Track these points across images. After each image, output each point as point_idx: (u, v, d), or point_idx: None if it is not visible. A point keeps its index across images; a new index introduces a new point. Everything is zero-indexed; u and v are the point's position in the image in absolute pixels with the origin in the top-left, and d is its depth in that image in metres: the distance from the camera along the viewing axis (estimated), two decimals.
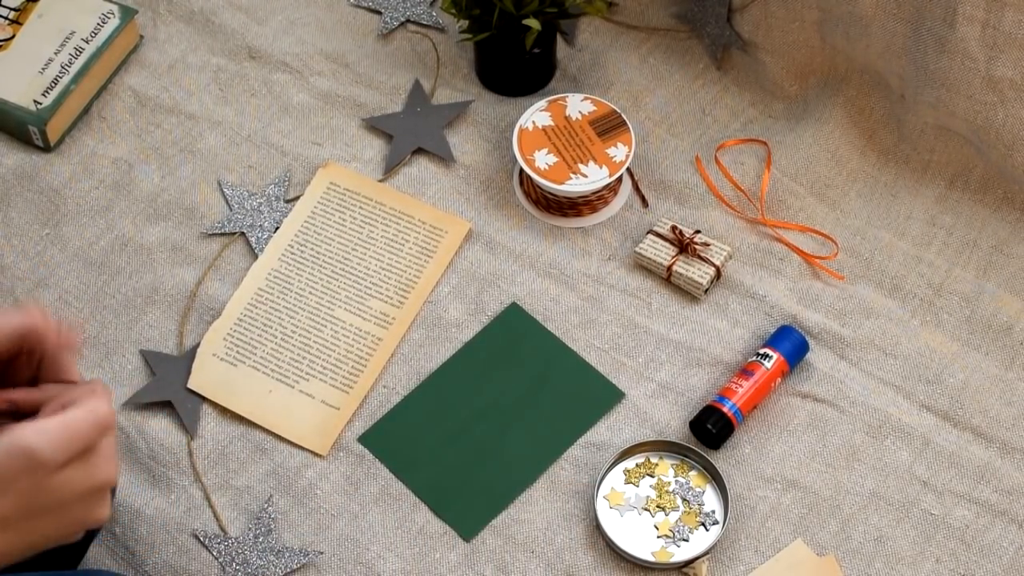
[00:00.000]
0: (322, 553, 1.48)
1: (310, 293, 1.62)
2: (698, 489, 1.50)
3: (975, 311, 1.60)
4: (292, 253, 1.65)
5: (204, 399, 1.57)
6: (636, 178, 1.70)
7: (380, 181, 1.70)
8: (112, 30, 1.76)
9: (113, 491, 1.43)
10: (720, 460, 1.52)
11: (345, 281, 1.63)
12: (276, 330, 1.60)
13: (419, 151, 1.72)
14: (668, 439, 1.51)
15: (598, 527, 1.48)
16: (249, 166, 1.72)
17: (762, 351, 1.55)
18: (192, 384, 1.57)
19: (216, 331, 1.60)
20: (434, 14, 1.81)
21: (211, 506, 1.51)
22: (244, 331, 1.60)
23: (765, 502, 1.50)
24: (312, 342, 1.59)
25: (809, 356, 1.58)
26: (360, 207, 1.67)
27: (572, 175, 1.62)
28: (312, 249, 1.65)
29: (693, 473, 1.51)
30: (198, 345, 1.59)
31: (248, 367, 1.58)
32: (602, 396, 1.56)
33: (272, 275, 1.64)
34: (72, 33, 1.75)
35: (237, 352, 1.59)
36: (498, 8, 1.67)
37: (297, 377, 1.58)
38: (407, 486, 1.52)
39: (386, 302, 1.62)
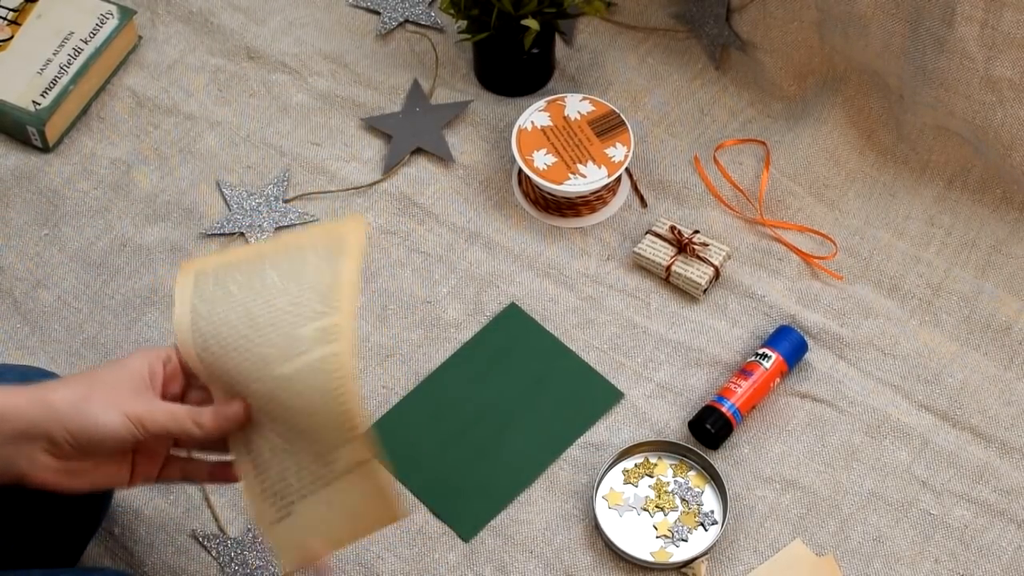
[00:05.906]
0: None
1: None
2: (697, 489, 1.50)
3: (974, 311, 1.60)
4: (211, 349, 1.23)
5: None
6: (635, 178, 1.70)
7: (378, 182, 1.70)
8: (111, 30, 1.76)
9: (109, 496, 1.43)
10: (719, 460, 1.52)
11: (265, 339, 1.22)
12: None
13: (418, 151, 1.72)
14: (667, 439, 1.51)
15: (597, 527, 1.48)
16: (248, 166, 1.72)
17: (761, 351, 1.54)
18: None
19: None
20: (432, 14, 1.81)
21: (210, 506, 1.51)
22: None
23: (764, 502, 1.50)
24: None
25: (808, 356, 1.58)
26: (238, 271, 1.25)
27: (571, 175, 1.62)
28: (217, 342, 1.22)
29: (692, 473, 1.51)
30: None
31: None
32: (601, 396, 1.56)
33: None
34: (71, 33, 1.75)
35: None
36: (496, 8, 1.67)
37: None
38: (406, 486, 1.52)
39: (317, 319, 1.22)
